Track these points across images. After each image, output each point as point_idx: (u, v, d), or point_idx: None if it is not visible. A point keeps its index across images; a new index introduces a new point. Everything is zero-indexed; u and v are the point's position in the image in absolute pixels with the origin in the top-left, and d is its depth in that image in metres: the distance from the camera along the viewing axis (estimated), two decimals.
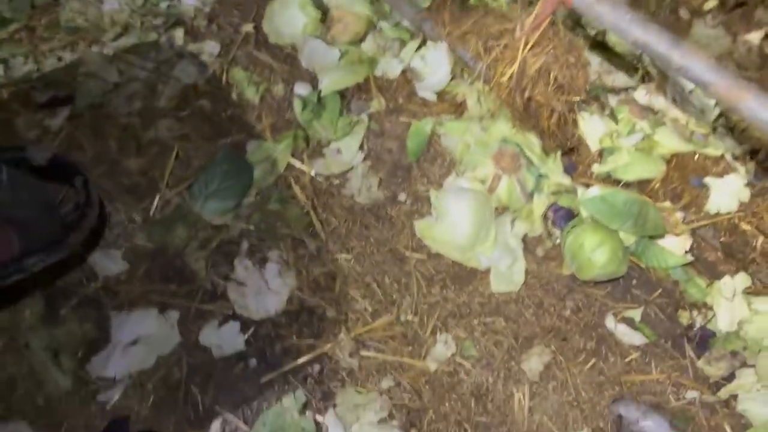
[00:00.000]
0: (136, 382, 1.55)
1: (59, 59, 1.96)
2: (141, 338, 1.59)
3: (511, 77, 1.77)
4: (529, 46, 1.71)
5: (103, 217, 1.69)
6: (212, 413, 1.53)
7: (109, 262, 1.67)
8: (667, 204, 1.81)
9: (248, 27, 2.14)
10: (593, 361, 1.68)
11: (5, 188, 1.34)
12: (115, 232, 1.71)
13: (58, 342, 1.57)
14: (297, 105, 1.98)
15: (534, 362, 1.65)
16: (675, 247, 1.77)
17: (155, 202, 1.77)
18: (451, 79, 2.04)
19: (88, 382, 1.53)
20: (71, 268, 1.63)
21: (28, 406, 1.49)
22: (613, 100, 1.93)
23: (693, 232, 1.81)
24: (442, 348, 1.65)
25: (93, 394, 1.52)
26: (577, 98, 1.74)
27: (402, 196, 1.88)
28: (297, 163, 1.89)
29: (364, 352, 1.63)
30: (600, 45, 2.02)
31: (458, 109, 2.01)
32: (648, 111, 1.89)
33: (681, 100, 1.89)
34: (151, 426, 1.50)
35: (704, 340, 1.71)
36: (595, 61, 1.98)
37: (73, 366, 1.55)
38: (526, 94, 1.77)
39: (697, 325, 1.73)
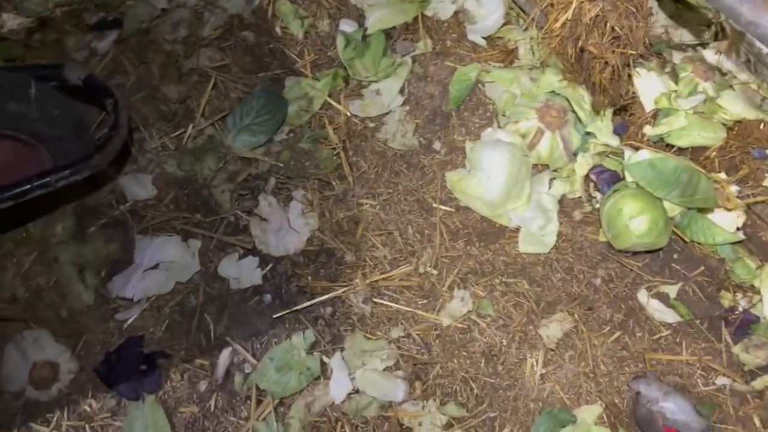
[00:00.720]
0: (154, 305, 1.59)
1: None
2: (162, 263, 1.62)
3: (564, 24, 1.64)
4: None
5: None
6: (223, 342, 1.56)
7: (138, 187, 1.70)
8: (722, 175, 1.65)
9: None
10: (618, 334, 1.59)
11: (34, 103, 1.37)
12: (148, 157, 1.74)
13: (84, 259, 1.62)
14: (340, 42, 1.92)
15: (553, 329, 1.58)
16: (725, 222, 1.62)
17: (189, 131, 1.78)
18: (504, 24, 1.91)
19: (109, 300, 1.59)
20: (100, 188, 1.67)
21: (51, 317, 1.56)
22: (676, 57, 1.75)
23: (747, 208, 1.65)
24: (458, 304, 1.60)
25: (112, 312, 1.58)
26: (635, 52, 1.59)
27: (437, 145, 1.80)
28: (333, 103, 1.85)
29: (377, 300, 1.60)
30: None
31: (508, 56, 1.89)
32: (714, 72, 1.71)
33: (756, 62, 1.70)
34: (163, 348, 1.54)
35: (745, 325, 1.58)
36: (662, 13, 1.80)
37: (96, 283, 1.60)
38: (579, 44, 1.63)
39: (740, 309, 1.60)
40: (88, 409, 1.49)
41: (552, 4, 1.67)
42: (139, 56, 1.89)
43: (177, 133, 1.77)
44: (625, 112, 1.74)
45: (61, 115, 1.44)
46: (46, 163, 1.50)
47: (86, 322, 1.57)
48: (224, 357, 1.55)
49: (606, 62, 1.62)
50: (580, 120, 1.74)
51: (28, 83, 1.35)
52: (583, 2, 1.58)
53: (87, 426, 1.47)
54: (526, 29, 1.88)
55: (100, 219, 1.66)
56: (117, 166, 1.70)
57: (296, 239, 1.67)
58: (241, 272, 1.64)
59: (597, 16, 1.56)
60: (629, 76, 1.67)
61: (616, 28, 1.56)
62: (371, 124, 1.84)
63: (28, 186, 1.36)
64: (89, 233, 1.65)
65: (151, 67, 1.87)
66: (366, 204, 1.72)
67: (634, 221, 1.56)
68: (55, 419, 1.47)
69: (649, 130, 1.69)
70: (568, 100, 1.75)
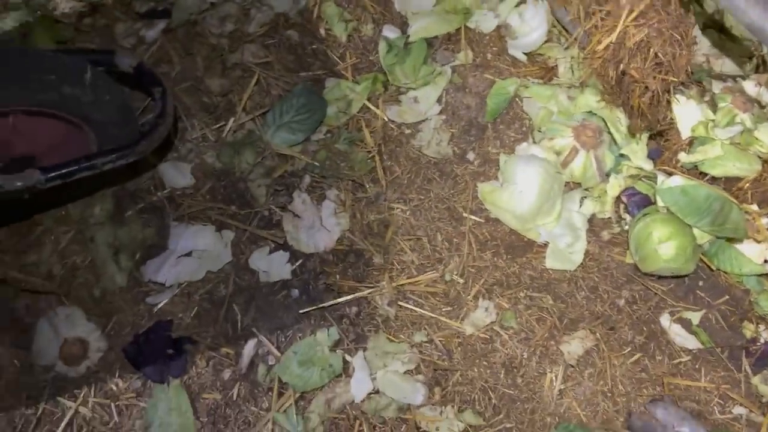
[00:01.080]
0: (184, 292, 1.62)
1: None
2: (195, 251, 1.66)
3: (607, 47, 1.66)
4: (632, 16, 1.59)
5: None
6: (249, 333, 1.59)
7: (177, 175, 1.74)
8: (754, 207, 1.66)
9: None
10: (638, 356, 1.60)
11: (88, 88, 1.41)
12: (188, 147, 1.77)
13: (120, 241, 1.66)
14: (382, 47, 1.95)
15: (575, 346, 1.60)
16: (753, 254, 1.63)
17: (229, 124, 1.81)
18: (546, 41, 1.93)
19: (141, 284, 1.62)
20: (140, 173, 1.71)
21: (84, 295, 1.60)
22: (716, 87, 1.77)
23: None
24: (482, 314, 1.62)
25: (143, 295, 1.61)
26: (676, 79, 1.61)
27: (471, 156, 1.83)
28: (372, 107, 1.88)
29: (402, 303, 1.63)
30: (714, 24, 1.84)
31: (547, 73, 1.91)
32: (753, 104, 1.72)
33: None
34: (191, 334, 1.58)
35: (765, 357, 1.59)
36: (704, 42, 1.82)
37: (130, 266, 1.64)
38: (621, 67, 1.65)
39: (762, 340, 1.61)
40: (114, 388, 1.53)
41: (596, 26, 1.69)
42: (185, 47, 1.93)
43: (218, 126, 1.81)
44: (661, 138, 1.76)
45: (110, 100, 1.48)
46: (91, 145, 1.54)
47: (118, 303, 1.61)
48: (249, 347, 1.58)
49: (646, 87, 1.64)
50: (615, 141, 1.76)
51: (84, 68, 1.38)
52: (628, 26, 1.60)
53: (112, 404, 1.51)
54: (567, 48, 1.90)
55: (138, 204, 1.70)
56: (158, 154, 1.74)
57: (327, 238, 1.70)
58: (271, 266, 1.67)
59: (641, 41, 1.58)
60: (668, 102, 1.69)
61: (660, 55, 1.58)
62: (407, 131, 1.86)
63: (76, 167, 1.40)
64: (126, 216, 1.69)
65: (196, 59, 1.91)
66: (397, 208, 1.75)
67: (662, 246, 1.57)
68: (82, 395, 1.51)
69: (684, 157, 1.71)
70: (604, 121, 1.76)
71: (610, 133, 1.76)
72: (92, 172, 1.44)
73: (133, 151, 1.48)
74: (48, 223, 1.67)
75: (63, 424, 1.47)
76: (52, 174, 1.38)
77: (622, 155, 1.75)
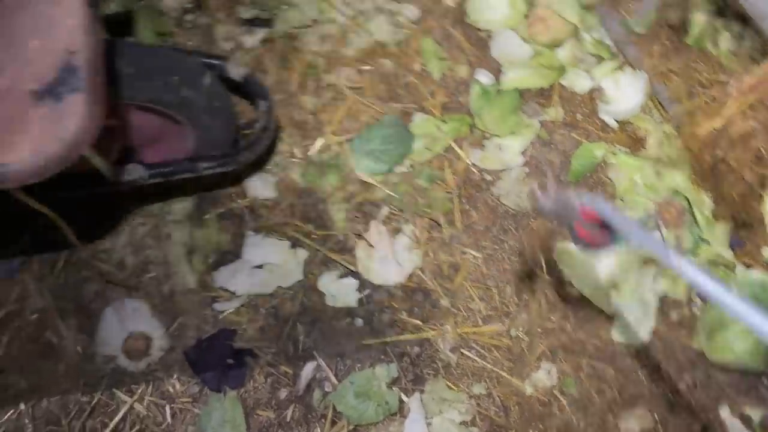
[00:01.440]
0: (252, 303, 1.62)
1: None
2: (267, 265, 1.66)
3: (708, 132, 1.65)
4: (740, 107, 1.59)
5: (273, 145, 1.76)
6: (309, 355, 1.59)
7: (261, 186, 1.74)
8: None
9: (451, 2, 2.14)
10: None
11: (204, 92, 1.42)
12: (275, 160, 1.78)
13: (195, 242, 1.66)
14: (474, 90, 1.96)
15: (632, 423, 1.58)
16: None
17: (317, 144, 1.82)
18: (639, 111, 1.94)
19: (210, 288, 1.62)
20: (225, 178, 1.71)
21: (153, 290, 1.60)
22: None
23: None
24: (544, 376, 1.61)
25: (211, 300, 1.61)
26: None
27: None
28: (456, 148, 1.88)
29: (465, 351, 1.62)
30: None
31: (636, 144, 1.91)
32: None
33: None
34: (253, 347, 1.57)
35: None
36: None
37: (202, 269, 1.64)
38: (719, 155, 1.65)
39: None
40: (171, 389, 1.52)
41: (698, 109, 1.69)
42: (282, 60, 1.95)
43: (305, 143, 1.82)
44: (746, 229, 1.75)
45: (219, 106, 1.50)
46: (189, 147, 1.55)
47: (185, 303, 1.61)
48: (308, 370, 1.58)
49: (741, 177, 1.63)
50: (697, 224, 1.75)
51: (204, 72, 1.40)
52: (734, 116, 1.59)
53: (168, 405, 1.50)
54: (660, 123, 1.90)
55: (218, 208, 1.71)
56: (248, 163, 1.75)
57: (398, 272, 1.70)
58: (339, 291, 1.67)
59: (746, 133, 1.58)
60: (760, 196, 1.68)
61: (762, 149, 1.58)
62: (488, 177, 1.87)
63: (179, 168, 1.42)
64: (205, 219, 1.69)
65: (291, 74, 1.93)
66: (470, 254, 1.74)
67: (737, 339, 1.56)
68: (139, 391, 1.51)
69: (767, 253, 1.70)
70: (689, 202, 1.76)
71: (693, 214, 1.75)
72: (192, 175, 1.45)
73: (235, 160, 1.49)
74: (125, 212, 1.68)
75: (117, 418, 1.47)
76: (155, 171, 1.40)
77: (702, 239, 1.74)
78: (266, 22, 2.00)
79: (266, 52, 1.95)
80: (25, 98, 1.05)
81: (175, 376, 1.53)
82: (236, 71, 1.56)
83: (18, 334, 1.53)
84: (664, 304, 1.73)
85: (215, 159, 1.46)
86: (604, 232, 0.98)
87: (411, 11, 2.09)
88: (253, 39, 1.98)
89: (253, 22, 2.00)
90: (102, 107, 0.99)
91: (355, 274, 1.69)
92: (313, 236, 1.71)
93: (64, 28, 1.04)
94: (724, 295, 0.74)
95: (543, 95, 2.00)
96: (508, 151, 1.90)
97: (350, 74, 1.96)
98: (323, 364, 1.58)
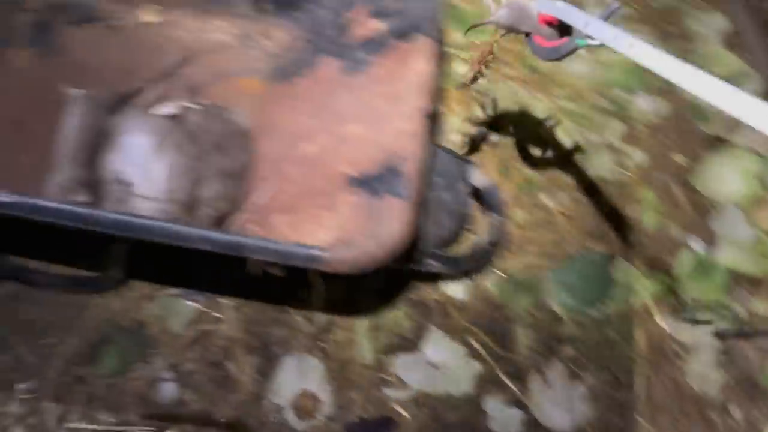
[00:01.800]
0: (419, 399, 1.62)
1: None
2: (442, 366, 1.66)
3: None
4: None
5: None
6: None
7: (456, 286, 1.75)
8: None
9: (681, 159, 2.10)
10: None
11: (458, 196, 1.45)
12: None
13: (381, 320, 1.69)
14: (685, 256, 1.90)
15: None
16: None
17: (519, 261, 1.82)
18: None
19: (385, 371, 1.64)
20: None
21: (333, 354, 1.63)
22: None
23: None
24: None
25: (383, 383, 1.62)
26: None
27: (737, 413, 1.72)
28: (654, 310, 1.82)
29: None
30: None
31: None
32: None
33: None
34: None
35: None
36: None
37: (380, 348, 1.66)
38: None
39: None
40: None
41: None
42: (503, 167, 1.97)
43: (510, 257, 1.83)
44: None
45: (456, 210, 1.53)
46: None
47: (358, 378, 1.62)
48: None
49: None
50: None
51: (462, 178, 1.44)
52: None
53: None
54: None
55: (408, 293, 1.73)
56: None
57: (566, 420, 1.65)
58: (503, 418, 1.63)
59: None
60: None
61: None
62: (681, 352, 1.79)
63: (411, 265, 1.45)
64: (395, 299, 1.72)
65: (509, 183, 1.95)
66: (646, 428, 1.66)
67: None
68: None
69: None
70: None
71: None
72: (417, 268, 1.48)
73: (458, 265, 1.51)
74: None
75: None
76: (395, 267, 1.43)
77: None
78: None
79: (490, 154, 1.99)
80: (336, 176, 1.10)
81: None
82: (481, 179, 1.59)
83: (204, 354, 1.60)
84: None
85: (441, 259, 1.48)
86: (564, 35, 0.97)
87: (640, 156, 2.08)
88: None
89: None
90: (418, 216, 1.02)
91: (521, 406, 1.65)
92: (490, 350, 1.70)
93: (393, 129, 1.10)
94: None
95: (753, 284, 1.91)
96: (705, 332, 1.82)
97: (563, 198, 1.96)
98: None
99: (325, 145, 1.17)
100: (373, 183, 1.04)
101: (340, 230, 1.01)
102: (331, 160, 1.14)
